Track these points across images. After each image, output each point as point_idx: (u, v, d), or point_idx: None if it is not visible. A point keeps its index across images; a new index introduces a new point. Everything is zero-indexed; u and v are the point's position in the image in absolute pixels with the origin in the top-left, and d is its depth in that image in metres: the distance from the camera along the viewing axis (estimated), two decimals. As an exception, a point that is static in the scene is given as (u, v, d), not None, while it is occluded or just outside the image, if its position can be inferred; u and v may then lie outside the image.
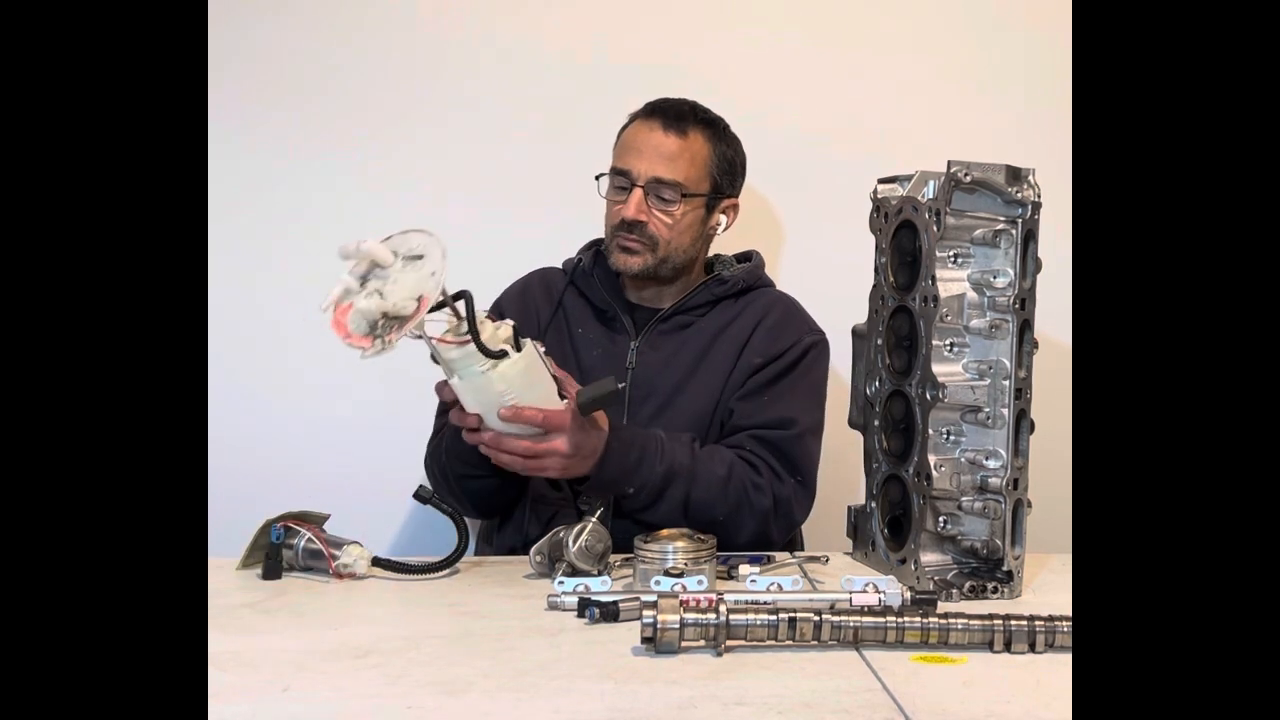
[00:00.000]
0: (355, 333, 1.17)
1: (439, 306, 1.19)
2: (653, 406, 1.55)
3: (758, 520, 1.45)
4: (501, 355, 1.21)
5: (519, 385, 1.25)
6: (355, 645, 1.01)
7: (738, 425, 1.53)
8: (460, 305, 1.19)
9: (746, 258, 1.69)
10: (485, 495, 1.49)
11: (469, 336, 1.19)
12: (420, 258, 1.19)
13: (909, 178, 1.31)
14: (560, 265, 1.68)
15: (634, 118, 1.60)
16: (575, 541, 1.22)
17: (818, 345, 1.60)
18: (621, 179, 1.55)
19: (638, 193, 1.53)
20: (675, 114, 1.57)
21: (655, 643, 0.97)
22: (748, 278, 1.62)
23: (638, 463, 1.39)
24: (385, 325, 1.17)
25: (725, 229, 1.64)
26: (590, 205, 1.63)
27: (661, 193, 1.54)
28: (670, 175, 1.54)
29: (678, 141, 1.55)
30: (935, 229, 1.22)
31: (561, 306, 1.62)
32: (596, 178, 1.59)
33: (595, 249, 1.65)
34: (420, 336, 1.19)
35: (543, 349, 1.28)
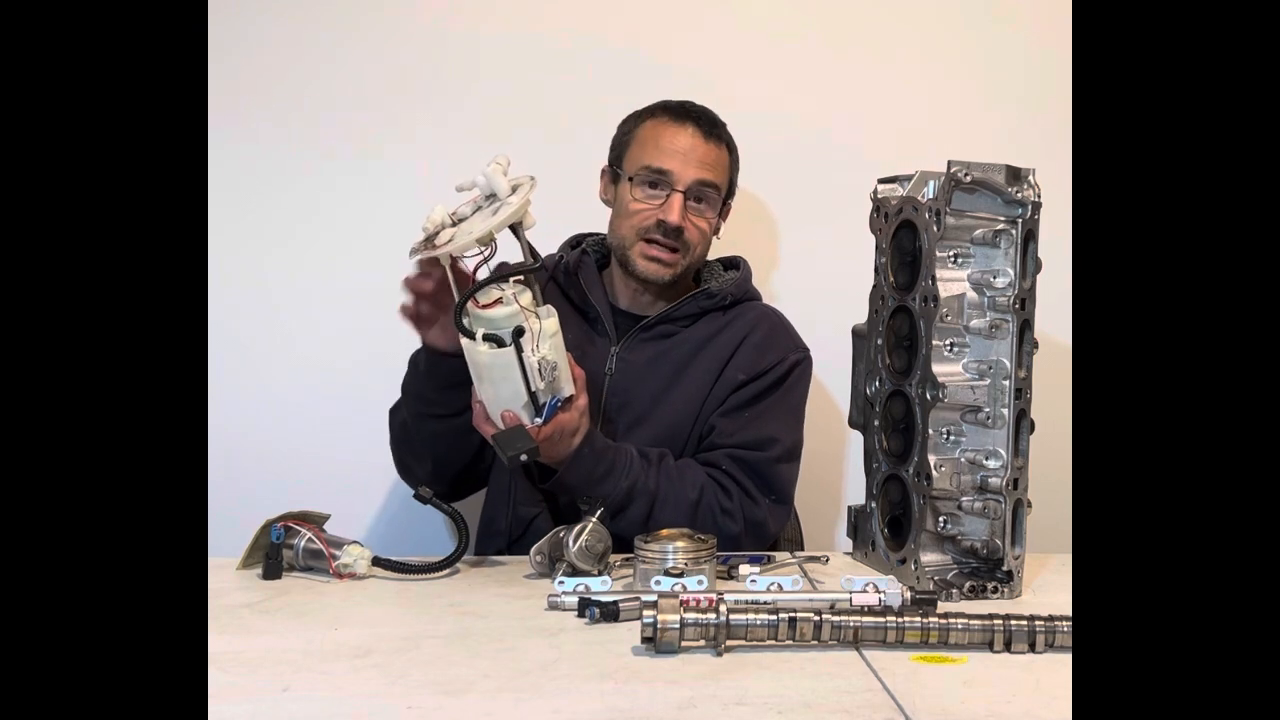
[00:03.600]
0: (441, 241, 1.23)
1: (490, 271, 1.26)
2: (630, 416, 1.53)
3: (726, 544, 1.42)
4: (470, 336, 1.24)
5: (477, 372, 1.27)
6: (355, 645, 1.01)
7: (715, 443, 1.51)
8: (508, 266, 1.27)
9: (733, 264, 1.68)
10: (441, 441, 1.46)
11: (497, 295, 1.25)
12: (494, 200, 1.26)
13: (909, 178, 1.31)
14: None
15: (651, 116, 1.57)
16: (575, 541, 1.22)
17: (801, 363, 1.59)
18: (659, 179, 1.52)
19: (679, 197, 1.51)
20: (708, 120, 1.56)
21: (655, 643, 0.97)
22: (736, 291, 1.60)
23: (604, 475, 1.39)
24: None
25: (719, 231, 1.64)
26: (585, 201, 1.63)
27: (704, 196, 1.53)
28: (713, 179, 1.53)
29: (716, 149, 1.55)
30: (935, 229, 1.22)
31: None
32: (614, 176, 1.57)
33: (581, 247, 1.63)
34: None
35: (538, 358, 1.25)
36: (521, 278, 1.28)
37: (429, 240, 1.23)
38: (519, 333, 1.23)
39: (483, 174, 1.24)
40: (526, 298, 1.26)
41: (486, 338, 1.24)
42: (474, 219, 1.24)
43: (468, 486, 1.57)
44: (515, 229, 1.25)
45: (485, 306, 1.24)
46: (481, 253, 1.23)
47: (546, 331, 1.26)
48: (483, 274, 1.26)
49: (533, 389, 1.26)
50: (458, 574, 1.29)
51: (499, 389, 1.27)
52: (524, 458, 1.25)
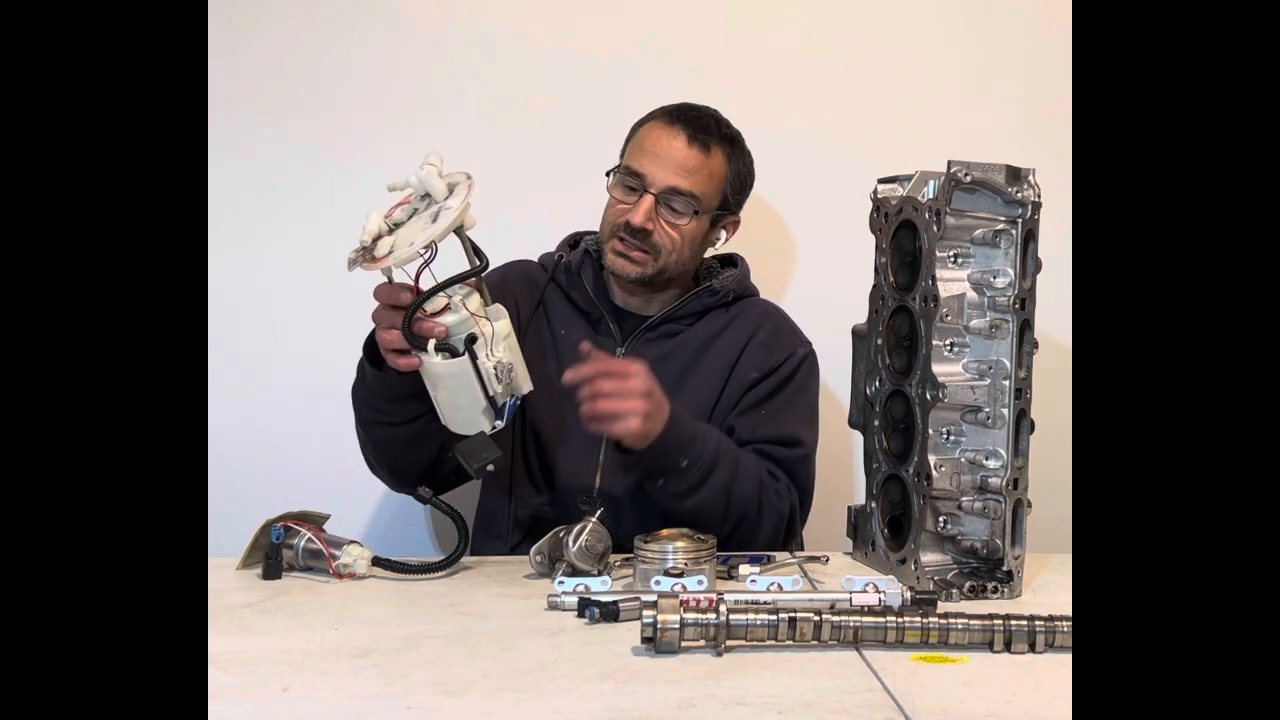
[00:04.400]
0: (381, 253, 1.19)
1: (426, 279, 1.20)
2: None
3: (774, 524, 1.44)
4: (421, 348, 1.21)
5: (431, 383, 1.25)
6: (355, 645, 1.01)
7: (741, 440, 1.50)
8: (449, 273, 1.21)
9: (731, 261, 1.67)
10: (394, 447, 1.43)
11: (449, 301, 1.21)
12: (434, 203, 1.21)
13: (909, 178, 1.31)
14: (536, 260, 1.64)
15: (652, 118, 1.56)
16: (575, 541, 1.22)
17: (810, 358, 1.59)
18: (633, 180, 1.51)
19: (649, 200, 1.49)
20: (700, 126, 1.52)
21: (655, 643, 0.97)
22: (737, 288, 1.60)
23: (692, 437, 1.36)
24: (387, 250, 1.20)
25: (723, 243, 1.63)
26: (582, 200, 1.63)
27: (674, 204, 1.50)
28: (687, 187, 1.50)
29: (700, 156, 1.51)
30: (935, 229, 1.22)
31: (543, 304, 1.58)
32: (608, 173, 1.56)
33: (581, 246, 1.62)
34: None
35: (494, 362, 1.22)
36: (469, 281, 1.24)
37: (367, 251, 1.19)
38: (471, 340, 1.21)
39: (416, 176, 1.20)
40: (475, 301, 1.23)
41: (439, 348, 1.21)
42: (412, 225, 1.20)
43: (437, 486, 1.47)
44: (458, 231, 1.22)
45: (434, 315, 1.21)
46: (423, 256, 1.19)
47: (499, 334, 1.24)
48: (426, 280, 1.22)
49: (490, 393, 1.24)
50: (458, 574, 1.29)
51: (456, 396, 1.24)
52: (491, 467, 1.23)
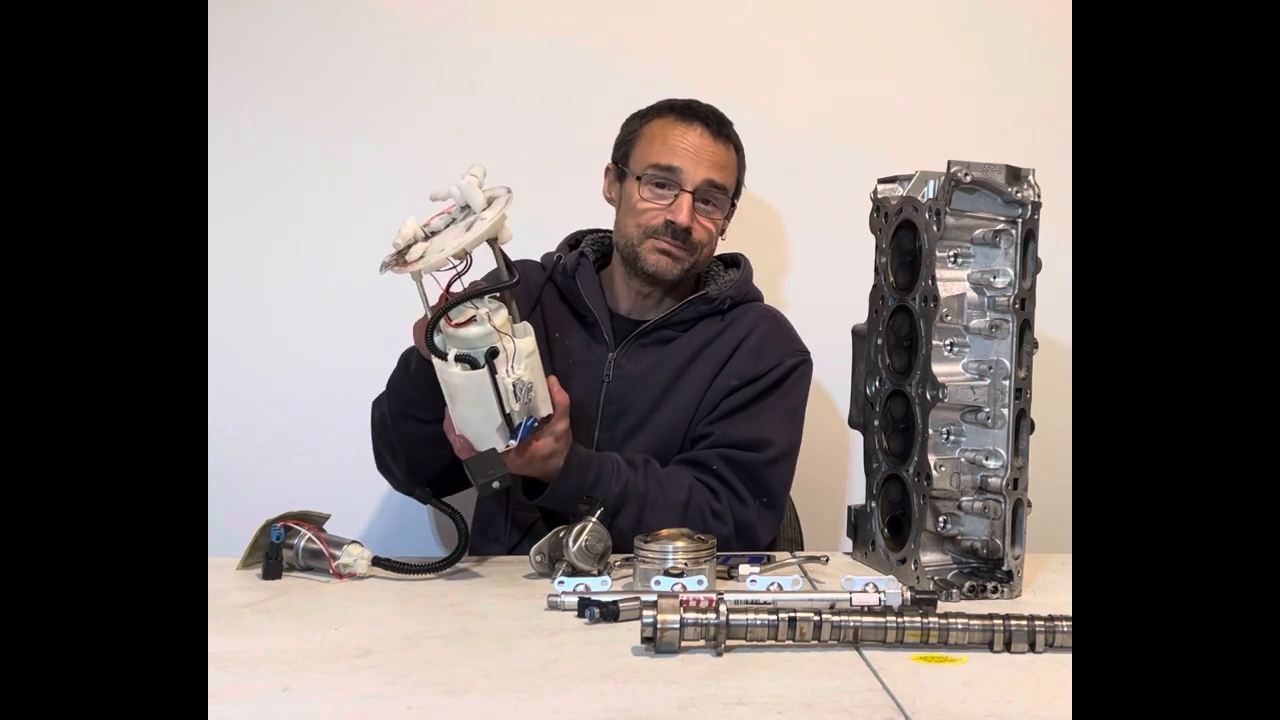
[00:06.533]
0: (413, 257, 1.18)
1: (453, 293, 1.20)
2: (627, 424, 1.51)
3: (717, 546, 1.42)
4: (441, 357, 1.19)
5: (449, 393, 1.23)
6: (355, 645, 1.01)
7: (708, 444, 1.48)
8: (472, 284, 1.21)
9: (734, 262, 1.65)
10: (417, 443, 1.42)
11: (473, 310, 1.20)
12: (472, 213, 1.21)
13: (909, 178, 1.31)
14: (538, 260, 1.63)
15: (658, 115, 1.55)
16: (575, 541, 1.22)
17: (800, 367, 1.56)
18: (668, 177, 1.50)
19: (688, 198, 1.50)
20: (716, 119, 1.54)
21: (655, 643, 0.97)
22: (735, 293, 1.58)
23: (594, 483, 1.36)
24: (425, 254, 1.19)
25: (724, 231, 1.63)
26: (580, 198, 1.63)
27: (712, 198, 1.52)
28: (722, 180, 1.52)
29: (725, 148, 1.54)
30: (935, 229, 1.22)
31: (540, 305, 1.56)
32: (620, 174, 1.55)
33: (579, 248, 1.61)
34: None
35: (513, 379, 1.21)
36: (497, 295, 1.23)
37: (400, 255, 1.19)
38: (493, 354, 1.19)
39: (457, 186, 1.20)
40: (501, 316, 1.22)
41: (459, 358, 1.19)
42: (447, 234, 1.20)
43: (448, 487, 1.49)
44: (492, 243, 1.21)
45: (458, 325, 1.20)
46: (455, 267, 1.18)
47: (522, 351, 1.22)
48: (456, 290, 1.21)
49: (507, 411, 1.22)
50: (458, 574, 1.29)
51: (471, 410, 1.23)
52: (496, 484, 1.21)
